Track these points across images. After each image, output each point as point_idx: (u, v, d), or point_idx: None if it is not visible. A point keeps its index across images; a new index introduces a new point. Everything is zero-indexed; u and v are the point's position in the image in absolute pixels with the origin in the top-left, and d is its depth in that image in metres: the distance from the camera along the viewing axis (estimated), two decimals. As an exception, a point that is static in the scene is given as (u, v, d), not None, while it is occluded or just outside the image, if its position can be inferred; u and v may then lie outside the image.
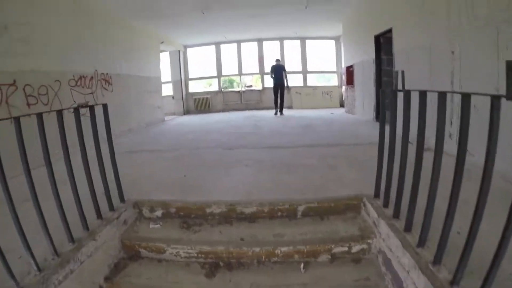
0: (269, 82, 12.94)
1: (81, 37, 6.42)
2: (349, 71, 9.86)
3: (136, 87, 8.93)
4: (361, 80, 8.78)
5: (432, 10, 4.61)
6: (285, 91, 10.82)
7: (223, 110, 13.85)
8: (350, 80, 9.81)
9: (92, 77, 6.80)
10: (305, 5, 8.25)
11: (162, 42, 11.16)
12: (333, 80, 14.73)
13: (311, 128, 7.39)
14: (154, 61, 10.62)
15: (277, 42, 13.81)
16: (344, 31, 10.78)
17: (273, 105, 11.15)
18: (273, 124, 8.55)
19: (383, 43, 7.44)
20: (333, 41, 14.12)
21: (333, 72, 14.27)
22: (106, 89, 7.36)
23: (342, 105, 13.03)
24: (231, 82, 15.48)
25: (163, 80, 15.41)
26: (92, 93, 6.74)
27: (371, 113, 8.02)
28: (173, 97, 13.98)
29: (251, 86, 14.51)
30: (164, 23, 9.58)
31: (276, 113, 10.67)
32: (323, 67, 14.75)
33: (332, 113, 10.28)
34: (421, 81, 4.97)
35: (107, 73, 7.40)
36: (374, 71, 7.65)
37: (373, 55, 7.63)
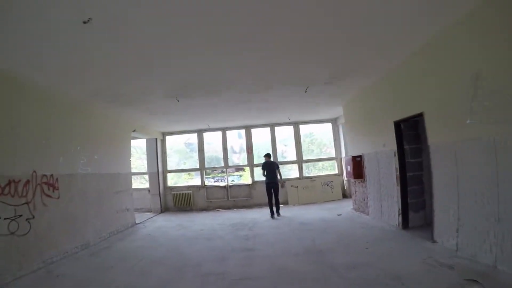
0: (259, 175, 12.56)
1: (9, 127, 5.42)
2: (356, 162, 9.28)
3: (97, 189, 8.11)
4: (376, 175, 8.14)
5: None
6: (279, 188, 10.37)
7: (207, 209, 13.18)
8: (358, 173, 9.21)
9: (28, 181, 5.67)
10: (305, 89, 8.05)
11: (134, 130, 10.79)
12: (331, 167, 13.86)
13: (324, 256, 5.58)
14: (123, 154, 10.03)
15: (267, 129, 13.62)
16: (346, 115, 10.63)
17: (265, 201, 10.72)
18: (270, 240, 7.07)
19: (405, 129, 7.02)
20: (329, 124, 14.06)
21: (332, 159, 13.49)
22: (50, 196, 6.24)
23: (344, 195, 12.81)
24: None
25: (139, 170, 14.58)
26: (27, 203, 5.61)
27: (393, 217, 7.27)
28: (149, 191, 13.37)
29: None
30: (136, 110, 9.19)
31: (272, 216, 10.04)
32: (320, 153, 14.11)
33: (339, 215, 9.49)
34: (482, 191, 3.84)
35: (51, 175, 6.34)
36: (397, 166, 6.90)
37: (394, 146, 7.03)
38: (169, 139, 14.15)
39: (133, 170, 13.41)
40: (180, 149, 15.34)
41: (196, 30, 4.26)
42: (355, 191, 9.81)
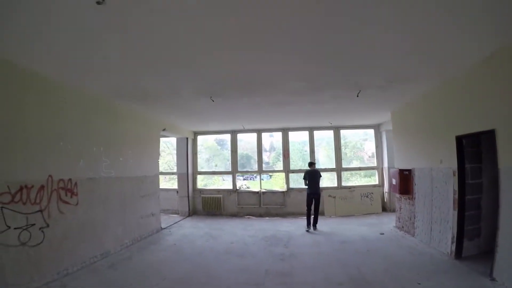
0: (296, 182, 12.58)
1: (21, 129, 5.04)
2: (404, 176, 8.71)
3: (120, 193, 7.83)
4: (428, 194, 7.48)
5: None
6: (320, 200, 10.01)
7: (237, 215, 12.85)
8: (405, 189, 8.64)
9: (42, 187, 5.33)
10: (357, 93, 7.38)
11: (164, 129, 10.57)
12: (371, 177, 13.10)
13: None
14: (151, 155, 9.80)
15: (306, 133, 13.09)
16: (395, 122, 9.95)
17: (300, 210, 10.70)
18: (309, 263, 6.50)
19: (467, 146, 6.34)
20: (372, 130, 13.38)
21: (373, 168, 12.78)
22: (67, 202, 5.93)
23: (384, 209, 12.27)
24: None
25: (169, 166, 14.36)
26: (41, 210, 5.27)
27: (445, 244, 6.62)
28: (177, 192, 13.16)
29: (248, 187, 13.62)
30: (165, 108, 8.83)
31: (308, 228, 9.63)
32: (360, 161, 13.31)
33: (382, 234, 8.89)
34: None
35: (69, 179, 6.01)
36: (456, 188, 6.27)
37: (454, 164, 6.33)
38: (200, 139, 13.99)
39: (162, 167, 13.46)
40: (210, 145, 15.10)
41: (232, 26, 3.83)
42: (400, 208, 9.14)
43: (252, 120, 11.16)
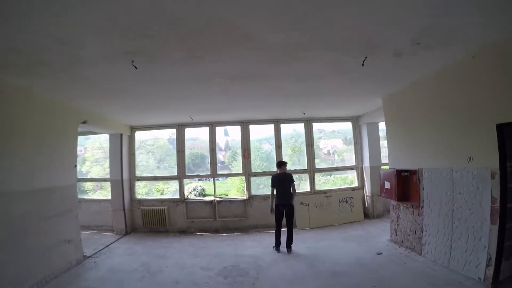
0: (260, 189, 11.00)
1: None
2: (402, 178, 7.28)
3: (11, 216, 5.58)
4: (446, 203, 5.87)
5: None
6: (293, 212, 8.18)
7: (187, 231, 10.67)
8: (405, 194, 7.21)
9: None
10: (362, 60, 5.13)
11: (84, 122, 8.21)
12: (347, 179, 11.63)
13: None
14: (64, 158, 7.45)
15: (269, 127, 11.25)
16: (389, 110, 8.17)
17: (264, 222, 9.68)
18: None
19: (508, 138, 4.75)
20: (349, 123, 11.75)
21: (351, 168, 11.50)
22: None
23: (366, 215, 10.84)
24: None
25: (99, 175, 12.50)
26: None
27: (475, 267, 5.13)
28: (110, 204, 10.90)
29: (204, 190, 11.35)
30: (89, 91, 6.52)
31: (277, 249, 7.91)
32: (319, 159, 11.74)
33: (379, 253, 7.21)
34: None
35: None
36: (498, 195, 4.75)
37: (494, 162, 4.76)
38: (140, 135, 11.65)
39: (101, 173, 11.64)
40: (161, 144, 12.81)
41: None
42: (397, 218, 7.49)
43: (203, 109, 8.85)
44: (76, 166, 7.93)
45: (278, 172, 8.14)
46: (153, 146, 12.47)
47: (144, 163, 12.07)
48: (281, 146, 10.89)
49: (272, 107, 9.03)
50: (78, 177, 12.46)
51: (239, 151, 11.12)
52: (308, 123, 11.06)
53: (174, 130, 11.22)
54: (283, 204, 7.80)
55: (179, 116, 9.88)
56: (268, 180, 9.34)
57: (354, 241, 8.22)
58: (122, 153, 10.69)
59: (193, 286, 5.89)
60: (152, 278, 6.44)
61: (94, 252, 8.39)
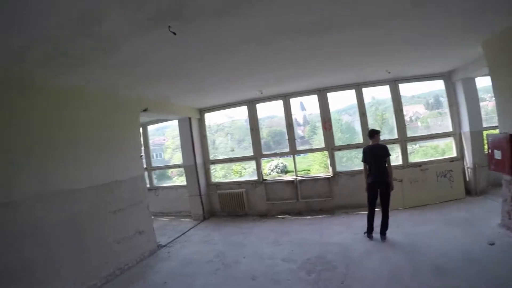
0: (343, 164, 10.06)
1: None
2: None
3: (73, 213, 5.60)
4: None
5: None
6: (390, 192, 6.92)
7: (267, 214, 10.09)
8: None
9: None
10: None
11: (145, 110, 7.92)
12: (440, 148, 10.25)
13: None
14: (127, 150, 7.34)
15: (350, 93, 9.92)
16: (494, 58, 6.51)
17: (352, 202, 8.77)
18: None
19: None
20: (441, 81, 9.99)
21: (448, 135, 9.80)
22: None
23: (468, 192, 9.16)
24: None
25: (173, 162, 12.58)
26: None
27: None
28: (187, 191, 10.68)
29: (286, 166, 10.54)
30: (134, 75, 5.95)
31: (369, 235, 6.97)
32: (418, 126, 10.34)
33: (492, 244, 5.91)
34: None
35: None
36: None
37: None
38: (209, 116, 11.16)
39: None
40: (239, 126, 12.35)
41: None
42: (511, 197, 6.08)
43: (271, 79, 7.83)
44: (142, 156, 7.73)
45: (370, 143, 6.98)
46: (230, 127, 12.14)
47: (224, 145, 11.85)
48: (366, 114, 9.67)
49: (351, 68, 7.82)
50: (159, 164, 12.53)
51: (319, 124, 10.18)
52: (394, 84, 9.63)
53: (245, 108, 10.53)
54: (377, 183, 6.70)
55: (247, 91, 9.11)
56: (354, 154, 8.31)
57: (458, 226, 6.89)
58: (193, 137, 10.35)
59: (272, 285, 5.26)
60: (227, 272, 5.97)
61: (170, 241, 8.26)
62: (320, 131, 10.16)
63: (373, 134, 6.92)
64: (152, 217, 11.31)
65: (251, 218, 9.79)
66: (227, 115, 12.17)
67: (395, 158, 9.62)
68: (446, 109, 9.96)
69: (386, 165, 6.74)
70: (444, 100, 10.05)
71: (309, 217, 9.25)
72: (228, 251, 7.06)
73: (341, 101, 10.78)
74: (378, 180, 6.68)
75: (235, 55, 5.44)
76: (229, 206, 10.30)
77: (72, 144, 5.68)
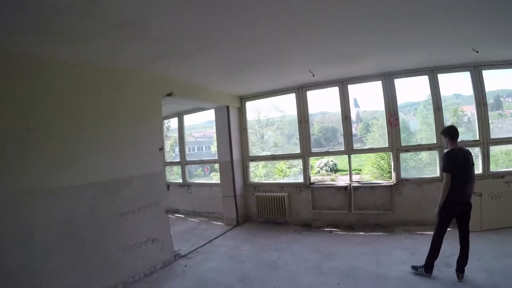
0: (409, 169, 8.54)
1: None
2: None
3: (68, 216, 4.72)
4: None
5: None
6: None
7: (312, 225, 8.58)
8: None
9: None
10: None
11: (169, 94, 6.74)
12: None
13: None
14: (146, 139, 6.28)
15: (424, 78, 7.94)
16: None
17: (417, 218, 7.29)
18: None
19: None
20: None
21: None
22: None
23: None
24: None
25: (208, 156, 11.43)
26: None
27: None
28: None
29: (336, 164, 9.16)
30: (147, 45, 4.78)
31: (429, 270, 5.25)
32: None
33: None
34: None
35: None
36: None
37: None
38: (250, 105, 9.81)
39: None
40: (290, 120, 11.04)
41: None
42: None
43: (323, 57, 6.23)
44: (162, 149, 6.65)
45: (451, 147, 5.16)
46: (281, 122, 11.12)
47: (273, 141, 10.86)
48: (441, 107, 7.74)
49: (426, 44, 5.98)
50: (200, 158, 11.50)
51: (373, 121, 8.61)
52: (476, 70, 7.64)
53: (293, 96, 8.96)
54: (461, 204, 4.97)
55: (297, 74, 7.54)
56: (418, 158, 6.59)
57: None
58: (231, 129, 9.11)
59: None
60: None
61: (191, 250, 7.16)
62: (375, 129, 8.71)
63: (455, 133, 5.18)
64: (182, 216, 10.50)
65: (292, 229, 8.37)
66: (277, 108, 11.22)
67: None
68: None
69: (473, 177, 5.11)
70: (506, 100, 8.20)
71: (362, 233, 7.65)
72: (255, 274, 5.75)
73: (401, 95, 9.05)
74: (464, 199, 4.95)
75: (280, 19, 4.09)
76: (268, 211, 8.95)
77: (71, 133, 4.82)
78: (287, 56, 5.99)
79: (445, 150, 5.22)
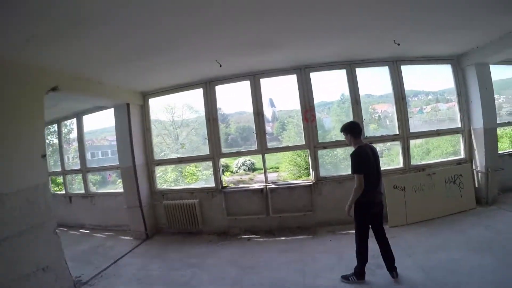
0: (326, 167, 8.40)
1: None
2: None
3: None
4: None
5: None
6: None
7: (228, 232, 7.80)
8: None
9: None
10: None
11: (53, 89, 5.46)
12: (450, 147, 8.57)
13: None
14: (24, 144, 5.00)
15: (342, 72, 7.61)
16: None
17: (336, 217, 6.90)
18: None
19: None
20: (448, 66, 8.04)
21: (456, 131, 8.06)
22: None
23: (478, 200, 7.47)
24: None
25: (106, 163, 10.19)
26: None
27: None
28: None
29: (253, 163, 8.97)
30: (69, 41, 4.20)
31: (361, 278, 4.78)
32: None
33: None
34: None
35: None
36: None
37: None
38: (154, 102, 8.67)
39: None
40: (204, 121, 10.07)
41: None
42: None
43: (233, 44, 5.44)
44: (45, 155, 5.30)
45: (357, 145, 4.68)
46: (196, 122, 10.05)
47: (185, 141, 9.90)
48: (359, 101, 7.42)
49: (346, 36, 5.59)
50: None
51: (289, 120, 8.10)
52: (394, 65, 7.52)
53: (201, 92, 8.04)
54: (376, 203, 4.62)
55: (202, 65, 6.64)
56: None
57: (486, 251, 5.03)
58: (132, 129, 7.94)
59: None
60: None
61: (95, 274, 6.06)
62: (290, 127, 8.20)
63: (360, 129, 4.76)
64: (88, 232, 9.16)
65: (207, 239, 7.47)
66: (192, 108, 10.15)
67: (395, 159, 7.58)
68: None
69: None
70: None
71: (283, 238, 6.98)
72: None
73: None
74: (378, 198, 4.61)
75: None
76: (179, 221, 7.94)
77: None
78: (187, 41, 5.07)
79: (353, 149, 4.68)
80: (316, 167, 7.43)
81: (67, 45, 4.47)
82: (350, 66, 7.42)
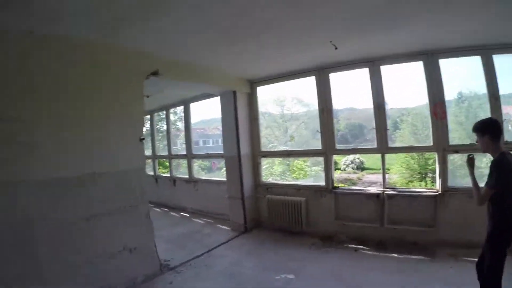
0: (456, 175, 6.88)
1: None
2: None
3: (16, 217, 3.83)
4: None
5: None
6: None
7: (333, 238, 6.96)
8: None
9: None
10: None
11: (154, 73, 5.32)
12: None
13: None
14: (123, 127, 5.11)
15: (473, 60, 6.01)
16: None
17: (466, 238, 5.59)
18: None
19: None
20: None
21: None
22: None
23: None
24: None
25: (213, 151, 11.03)
26: None
27: None
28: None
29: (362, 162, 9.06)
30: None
31: None
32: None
33: None
34: None
35: None
36: None
37: None
38: (261, 90, 8.19)
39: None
40: (315, 115, 9.47)
41: None
42: None
43: (350, 20, 4.44)
44: (143, 139, 5.30)
45: (497, 151, 3.41)
46: (305, 116, 10.19)
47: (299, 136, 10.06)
48: (499, 98, 5.75)
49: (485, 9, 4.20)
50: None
51: (404, 118, 7.05)
52: None
53: (313, 80, 7.26)
54: None
55: (315, 49, 5.83)
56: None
57: None
58: (238, 117, 7.63)
59: None
60: None
61: (185, 261, 6.00)
62: (404, 126, 7.17)
63: (501, 129, 3.52)
64: (188, 215, 9.29)
65: (309, 241, 6.79)
66: (302, 102, 10.23)
67: None
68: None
69: None
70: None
71: (396, 255, 5.93)
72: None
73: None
74: None
75: None
76: (281, 218, 7.45)
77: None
78: (302, 22, 4.38)
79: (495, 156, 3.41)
80: (444, 174, 6.16)
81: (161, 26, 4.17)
82: (488, 51, 5.74)
